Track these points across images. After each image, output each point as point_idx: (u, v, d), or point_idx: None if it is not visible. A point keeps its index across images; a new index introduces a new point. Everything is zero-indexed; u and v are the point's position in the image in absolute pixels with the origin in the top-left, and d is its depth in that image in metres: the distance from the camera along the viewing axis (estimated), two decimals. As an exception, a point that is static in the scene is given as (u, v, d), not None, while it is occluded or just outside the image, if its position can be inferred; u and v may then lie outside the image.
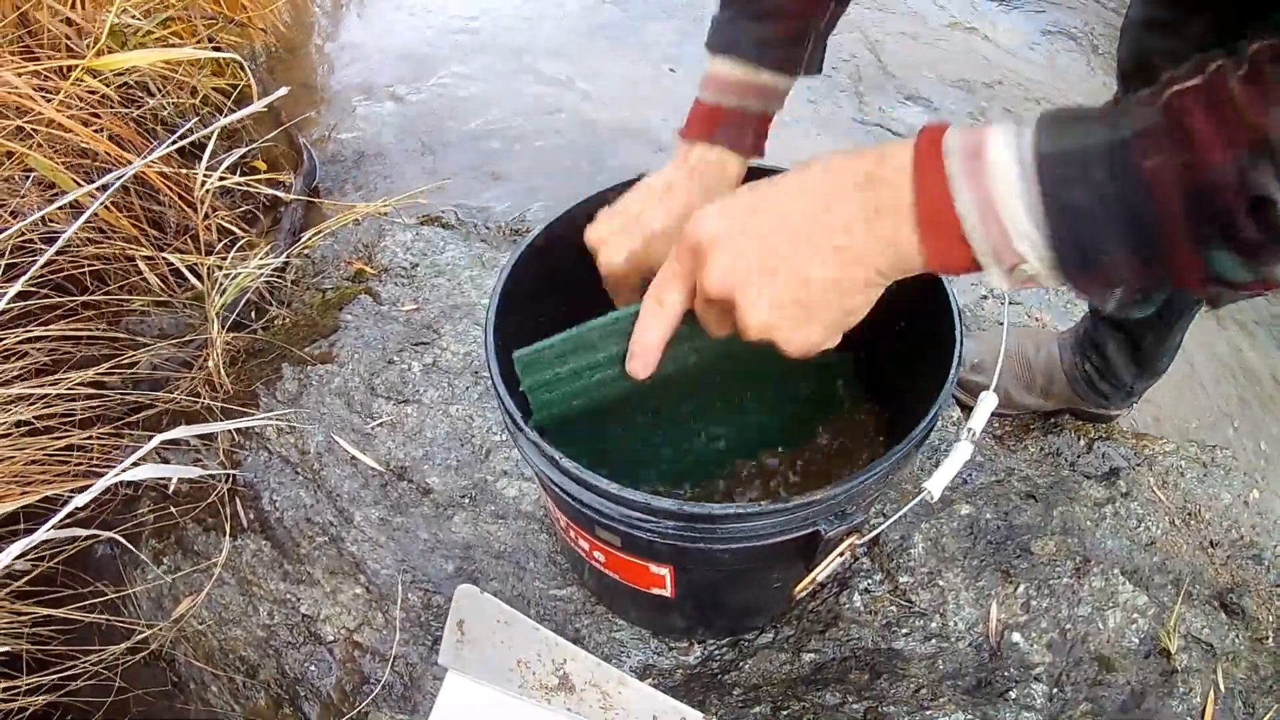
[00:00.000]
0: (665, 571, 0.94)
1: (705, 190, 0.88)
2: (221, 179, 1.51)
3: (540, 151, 2.07)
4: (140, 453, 0.53)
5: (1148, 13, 0.96)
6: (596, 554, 0.97)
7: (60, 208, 1.40)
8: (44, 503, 1.13)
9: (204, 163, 1.40)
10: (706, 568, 0.93)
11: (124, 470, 0.54)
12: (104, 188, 1.23)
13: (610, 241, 0.87)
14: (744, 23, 0.87)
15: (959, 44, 2.44)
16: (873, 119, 2.19)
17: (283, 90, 1.22)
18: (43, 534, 0.47)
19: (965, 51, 2.42)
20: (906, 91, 2.27)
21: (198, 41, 2.10)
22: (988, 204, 0.53)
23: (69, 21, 1.75)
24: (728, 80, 0.89)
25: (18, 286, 0.65)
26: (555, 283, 0.99)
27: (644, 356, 0.73)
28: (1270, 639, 1.29)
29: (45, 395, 1.26)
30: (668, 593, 0.99)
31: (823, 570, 0.91)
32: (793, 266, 0.61)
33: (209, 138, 1.51)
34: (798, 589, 0.95)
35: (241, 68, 2.05)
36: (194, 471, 0.46)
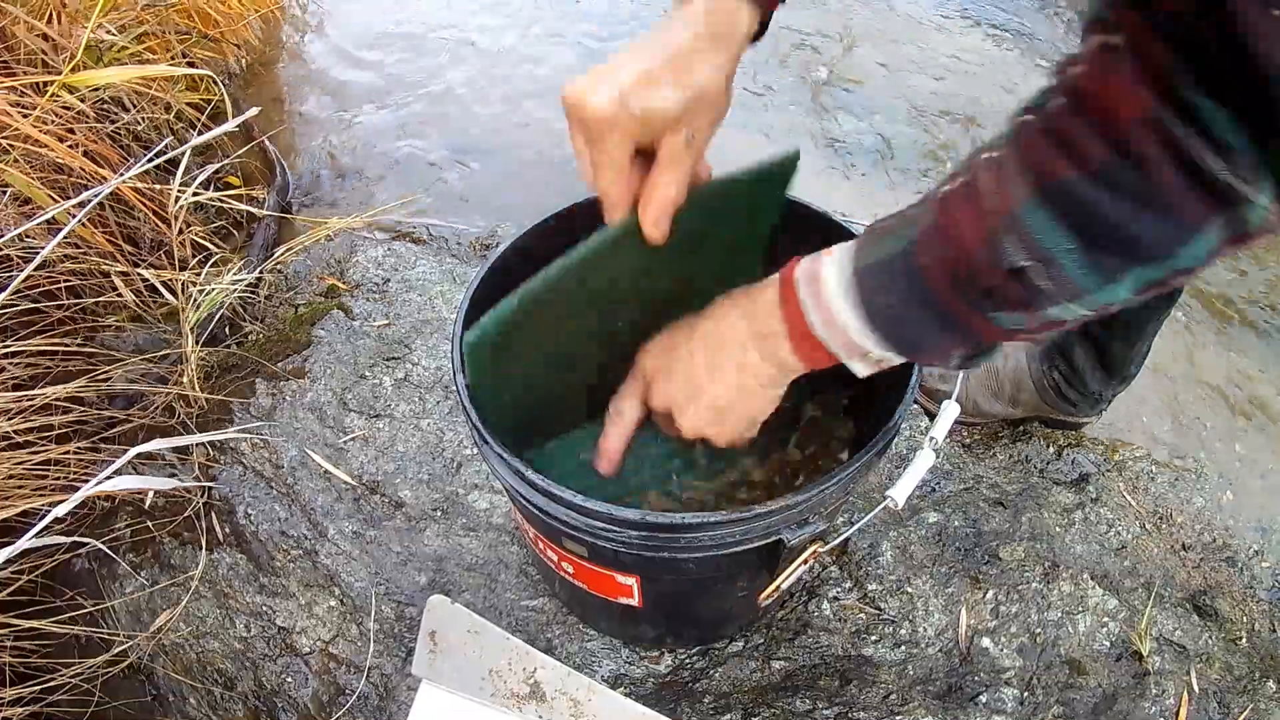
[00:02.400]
0: (632, 581, 0.98)
1: (711, 40, 0.73)
2: (195, 195, 1.55)
3: (511, 165, 2.11)
4: (117, 464, 0.56)
5: None
6: (565, 565, 1.01)
7: (38, 224, 1.43)
8: (21, 517, 1.17)
9: (178, 179, 1.44)
10: (672, 576, 0.97)
11: (102, 481, 0.58)
12: (81, 204, 1.27)
13: (596, 86, 0.70)
14: None
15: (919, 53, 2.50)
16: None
17: (253, 110, 1.26)
18: (24, 543, 0.51)
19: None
20: (867, 105, 2.33)
21: (171, 57, 2.14)
22: (829, 318, 0.73)
23: (45, 37, 1.78)
24: None
25: (1, 297, 0.69)
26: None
27: (610, 457, 0.93)
28: (1244, 639, 1.33)
29: (23, 410, 1.30)
30: (635, 602, 1.02)
31: (787, 578, 0.95)
32: (708, 388, 0.83)
33: (184, 154, 1.55)
34: (762, 597, 0.99)
35: (215, 83, 2.09)
36: (170, 483, 0.50)
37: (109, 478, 0.58)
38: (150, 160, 0.90)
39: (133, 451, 0.58)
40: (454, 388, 1.45)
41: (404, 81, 2.35)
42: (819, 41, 2.50)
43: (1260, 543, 1.46)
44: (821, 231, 1.02)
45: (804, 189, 0.95)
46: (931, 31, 2.57)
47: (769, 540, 0.87)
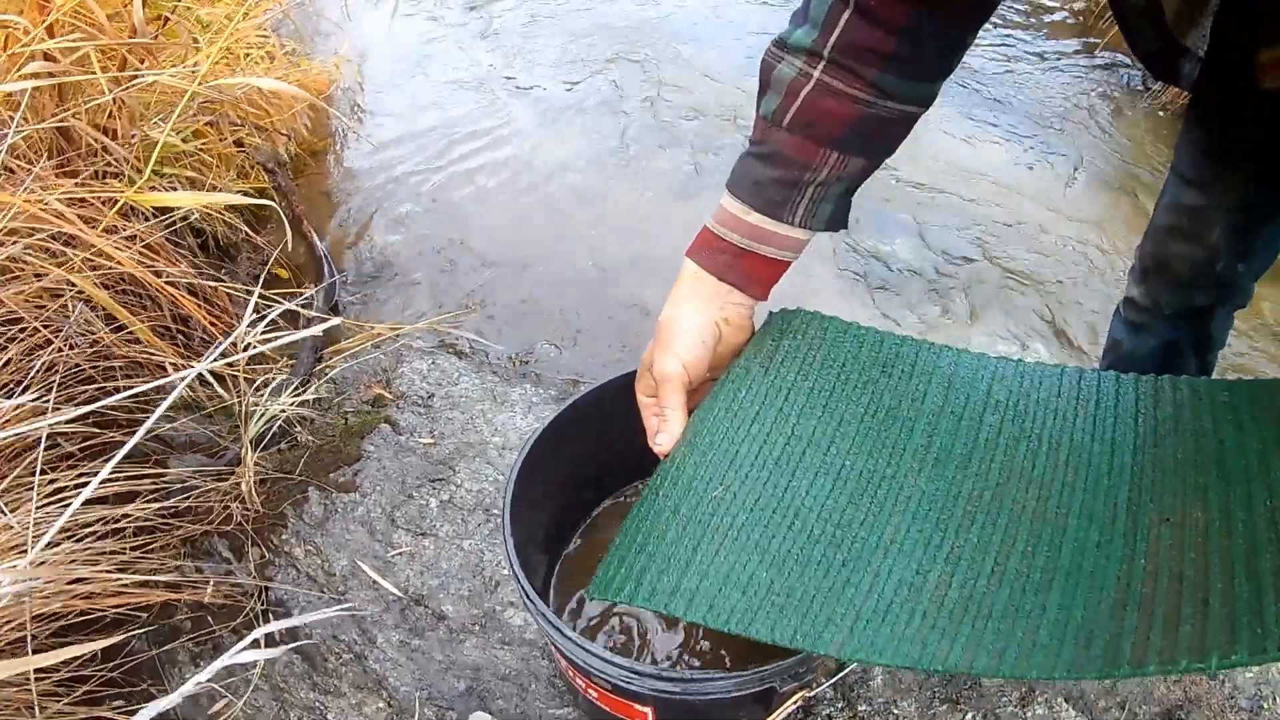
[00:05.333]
0: (648, 710, 1.23)
1: (706, 299, 1.03)
2: (265, 328, 1.79)
3: (550, 278, 2.34)
4: (249, 639, 0.81)
5: (1171, 221, 1.30)
6: (590, 691, 1.26)
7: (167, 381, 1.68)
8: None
9: (246, 317, 1.63)
10: (681, 709, 1.22)
11: (239, 652, 0.82)
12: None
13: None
14: (751, 160, 1.00)
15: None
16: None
17: (332, 322, 1.49)
18: (174, 699, 0.76)
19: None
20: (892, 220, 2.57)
21: (224, 146, 2.39)
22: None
23: (107, 131, 2.02)
24: (725, 212, 1.02)
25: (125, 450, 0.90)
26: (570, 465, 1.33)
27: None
28: (1213, 750, 1.49)
29: (109, 519, 1.53)
30: (650, 725, 1.28)
31: (778, 717, 1.21)
32: None
33: (238, 264, 1.79)
34: (756, 732, 1.25)
35: (269, 173, 2.34)
36: (273, 653, 0.70)
37: (245, 649, 0.83)
38: (237, 355, 1.13)
39: (259, 631, 0.83)
40: (494, 511, 1.72)
41: (449, 183, 2.58)
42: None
43: (1245, 652, 1.64)
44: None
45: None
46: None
47: (764, 688, 1.12)
